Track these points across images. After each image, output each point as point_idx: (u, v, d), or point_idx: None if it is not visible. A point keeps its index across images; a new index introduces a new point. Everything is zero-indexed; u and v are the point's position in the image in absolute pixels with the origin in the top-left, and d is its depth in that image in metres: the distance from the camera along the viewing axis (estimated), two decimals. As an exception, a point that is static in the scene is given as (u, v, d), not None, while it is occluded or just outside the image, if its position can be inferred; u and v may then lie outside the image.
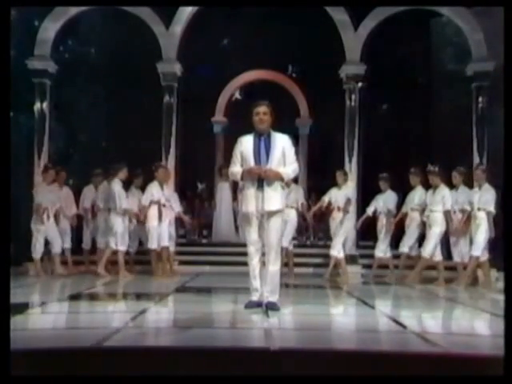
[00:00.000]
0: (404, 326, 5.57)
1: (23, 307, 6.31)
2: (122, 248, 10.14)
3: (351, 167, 12.31)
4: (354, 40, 12.61)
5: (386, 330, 5.52)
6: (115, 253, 10.17)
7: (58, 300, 7.09)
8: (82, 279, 9.91)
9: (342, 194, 10.19)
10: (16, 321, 5.01)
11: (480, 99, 12.26)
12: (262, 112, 6.02)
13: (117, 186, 10.14)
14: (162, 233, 10.22)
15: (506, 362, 3.58)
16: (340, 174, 10.28)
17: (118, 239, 10.10)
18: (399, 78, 12.88)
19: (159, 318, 6.15)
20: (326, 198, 10.37)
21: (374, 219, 10.63)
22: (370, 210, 10.62)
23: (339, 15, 12.57)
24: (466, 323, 6.18)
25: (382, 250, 10.52)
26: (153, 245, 10.20)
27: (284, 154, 6.02)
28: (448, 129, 12.56)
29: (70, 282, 9.75)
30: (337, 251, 10.19)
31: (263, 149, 6.00)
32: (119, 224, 10.12)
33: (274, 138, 6.03)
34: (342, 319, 6.52)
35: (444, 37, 13.20)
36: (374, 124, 12.68)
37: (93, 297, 8.02)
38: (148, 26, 12.57)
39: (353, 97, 12.68)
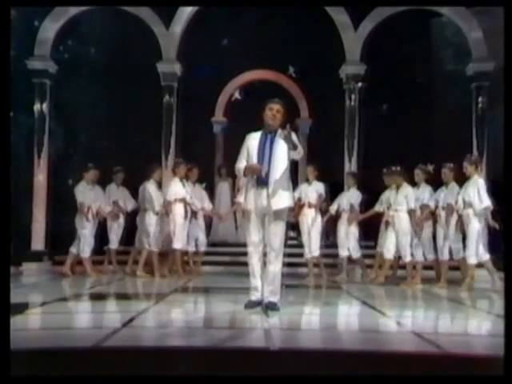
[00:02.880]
0: (404, 326, 5.58)
1: (23, 307, 6.32)
2: (155, 249, 10.14)
3: (351, 167, 12.33)
4: (353, 40, 12.63)
5: (386, 330, 5.53)
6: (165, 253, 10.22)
7: (58, 300, 7.08)
8: (83, 279, 9.90)
9: (313, 190, 9.91)
10: (16, 321, 5.01)
11: (480, 99, 12.28)
12: (275, 109, 6.08)
13: (151, 187, 10.20)
14: (183, 233, 10.06)
15: (506, 362, 3.58)
16: (311, 170, 10.05)
17: (152, 240, 10.10)
18: (399, 78, 12.87)
19: (159, 318, 6.15)
20: (295, 195, 9.72)
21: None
22: (333, 209, 10.32)
23: (339, 15, 12.60)
24: (465, 323, 6.19)
25: (357, 251, 10.28)
26: (178, 245, 10.02)
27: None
28: (448, 128, 12.54)
29: (70, 282, 9.74)
30: (313, 251, 9.93)
31: (268, 147, 6.01)
32: (154, 225, 10.12)
33: (279, 136, 6.03)
34: (342, 319, 6.52)
35: (444, 37, 13.20)
36: (373, 124, 12.68)
37: (93, 297, 8.02)
38: (148, 26, 12.58)
39: (353, 97, 12.70)
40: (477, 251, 8.52)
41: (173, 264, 10.22)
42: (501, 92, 4.86)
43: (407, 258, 9.47)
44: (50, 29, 12.39)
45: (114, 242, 10.87)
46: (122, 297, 8.32)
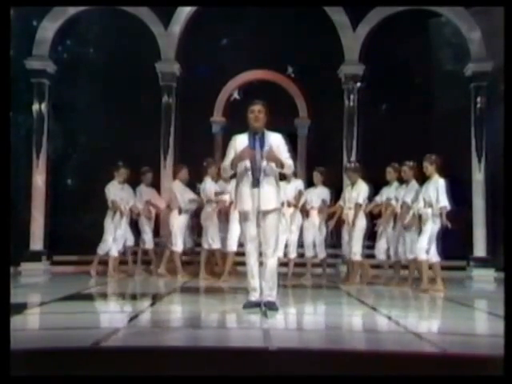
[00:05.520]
0: (403, 326, 5.58)
1: (23, 307, 6.32)
2: (177, 249, 10.17)
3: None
4: (352, 40, 12.63)
5: (386, 330, 5.53)
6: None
7: (57, 300, 7.08)
8: (84, 279, 9.89)
9: (292, 188, 9.73)
10: (16, 321, 5.01)
11: (478, 99, 12.27)
12: (257, 110, 6.14)
13: (177, 186, 10.26)
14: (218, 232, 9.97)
15: (506, 362, 3.58)
16: None
17: (173, 239, 10.16)
18: (398, 78, 12.87)
19: (159, 318, 6.15)
20: None
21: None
22: (300, 202, 10.07)
23: (338, 15, 12.60)
24: (465, 323, 6.18)
25: (322, 251, 10.16)
26: (208, 245, 9.95)
27: (279, 152, 6.10)
28: (447, 129, 12.55)
29: (70, 281, 9.74)
30: (290, 251, 9.80)
31: (258, 148, 6.09)
32: (177, 224, 10.15)
33: (268, 137, 6.17)
34: (341, 319, 6.52)
35: (443, 37, 13.20)
36: (372, 124, 12.67)
37: (92, 297, 8.01)
38: (147, 26, 12.57)
39: (351, 97, 12.70)
40: (428, 251, 8.49)
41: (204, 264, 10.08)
42: (499, 92, 4.88)
43: (356, 257, 9.42)
44: (48, 29, 12.36)
45: (149, 242, 10.80)
46: (122, 297, 8.33)
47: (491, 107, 11.70)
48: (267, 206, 6.06)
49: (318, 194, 10.16)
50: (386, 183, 9.70)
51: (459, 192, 11.75)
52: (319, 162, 11.24)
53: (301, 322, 6.29)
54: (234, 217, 9.30)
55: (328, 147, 13.28)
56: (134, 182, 10.73)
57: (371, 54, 12.50)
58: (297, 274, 10.14)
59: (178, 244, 10.17)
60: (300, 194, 9.89)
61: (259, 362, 3.98)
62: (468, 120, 12.29)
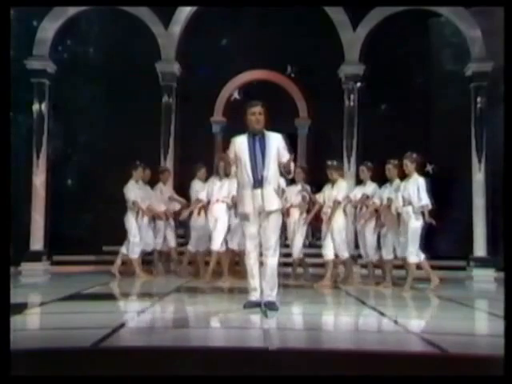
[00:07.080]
0: (403, 326, 5.58)
1: (23, 307, 6.31)
2: (192, 248, 10.15)
3: (350, 167, 12.33)
4: (352, 40, 12.63)
5: (386, 330, 5.53)
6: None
7: (57, 300, 7.08)
8: (84, 279, 9.88)
9: None
10: (16, 321, 5.01)
11: (479, 99, 12.26)
12: (257, 112, 6.13)
13: (196, 185, 10.23)
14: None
15: (506, 362, 3.58)
16: None
17: (190, 239, 10.18)
18: (398, 78, 12.87)
19: (159, 318, 6.15)
20: None
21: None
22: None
23: (338, 15, 12.60)
24: (465, 323, 6.18)
25: (299, 251, 9.99)
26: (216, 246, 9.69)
27: (279, 152, 6.09)
28: (447, 129, 12.55)
29: (70, 281, 9.74)
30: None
31: (258, 149, 6.11)
32: (194, 225, 10.10)
33: (268, 138, 6.16)
34: (341, 319, 6.52)
35: (443, 37, 13.20)
36: (372, 124, 12.67)
37: (92, 297, 8.01)
38: (147, 26, 12.57)
39: (351, 97, 12.70)
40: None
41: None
42: (499, 92, 4.87)
43: (345, 255, 9.33)
44: (48, 29, 12.36)
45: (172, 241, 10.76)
46: (122, 297, 8.33)
47: (491, 107, 11.69)
48: (271, 207, 6.08)
49: (299, 191, 10.10)
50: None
51: (459, 192, 11.83)
52: (319, 161, 11.23)
53: (301, 321, 6.29)
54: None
55: (328, 147, 13.28)
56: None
57: (371, 54, 12.50)
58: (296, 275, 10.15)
59: (193, 244, 10.14)
60: (282, 192, 9.80)
61: (259, 361, 3.97)
62: (468, 120, 12.28)
